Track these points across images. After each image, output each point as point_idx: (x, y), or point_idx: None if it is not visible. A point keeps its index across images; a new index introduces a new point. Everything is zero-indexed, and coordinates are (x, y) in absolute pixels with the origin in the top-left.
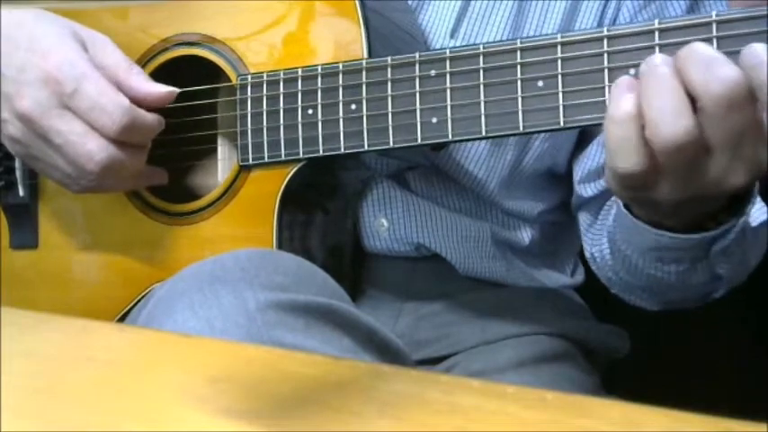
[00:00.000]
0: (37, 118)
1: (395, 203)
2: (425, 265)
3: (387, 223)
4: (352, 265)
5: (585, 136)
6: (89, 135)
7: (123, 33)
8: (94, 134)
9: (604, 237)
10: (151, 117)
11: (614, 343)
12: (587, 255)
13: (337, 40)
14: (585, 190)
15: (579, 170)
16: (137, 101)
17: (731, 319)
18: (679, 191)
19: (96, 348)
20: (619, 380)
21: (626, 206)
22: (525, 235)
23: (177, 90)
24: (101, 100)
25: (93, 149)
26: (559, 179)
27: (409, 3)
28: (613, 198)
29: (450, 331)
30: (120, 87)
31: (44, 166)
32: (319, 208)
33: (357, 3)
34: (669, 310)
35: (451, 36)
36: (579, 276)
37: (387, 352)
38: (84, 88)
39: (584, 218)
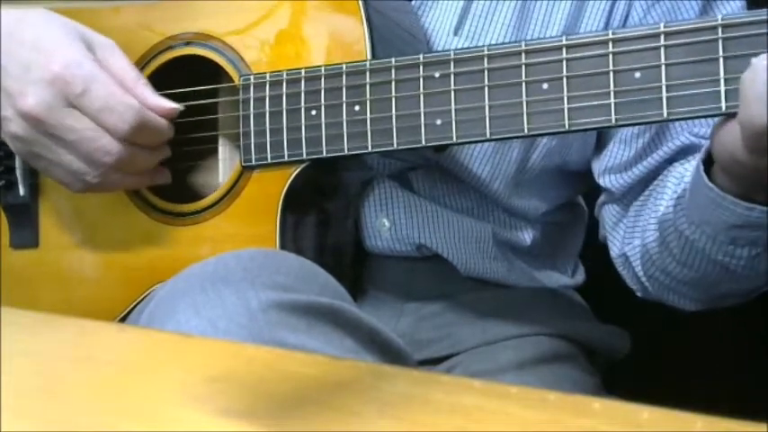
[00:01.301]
0: (44, 117)
1: (396, 203)
2: (426, 266)
3: (388, 223)
4: (354, 266)
5: (603, 136)
6: (101, 131)
7: (124, 32)
8: (105, 131)
9: (640, 233)
10: (161, 120)
11: (615, 343)
12: (615, 255)
13: (340, 40)
14: (609, 181)
15: (598, 166)
16: None
17: (731, 319)
18: None
19: (96, 348)
20: (619, 380)
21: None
22: (527, 235)
23: (181, 107)
24: (111, 101)
25: (107, 144)
26: (568, 177)
27: (412, 3)
28: (666, 185)
29: (451, 332)
30: None
31: (46, 164)
32: (322, 208)
33: (360, 2)
34: (693, 311)
35: (455, 34)
36: (579, 277)
37: (389, 352)
38: (94, 89)
39: (610, 213)
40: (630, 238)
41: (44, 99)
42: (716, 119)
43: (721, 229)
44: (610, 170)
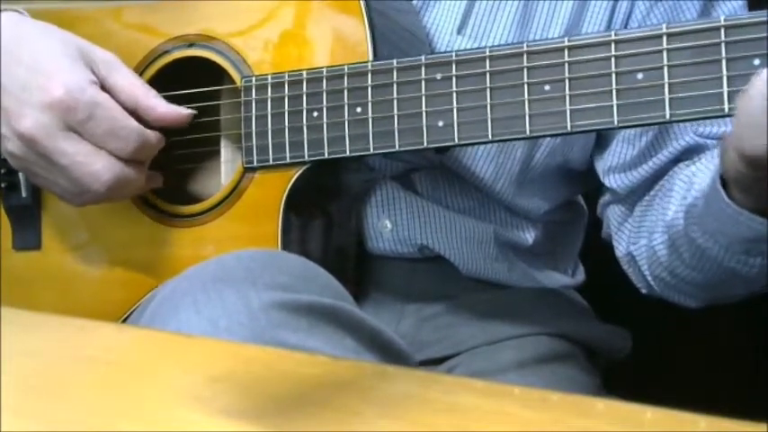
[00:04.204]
0: (40, 139)
1: (399, 205)
2: (428, 267)
3: (390, 225)
4: (355, 267)
5: (606, 135)
6: (96, 156)
7: (125, 35)
8: (101, 155)
9: (646, 234)
10: (156, 136)
11: (616, 343)
12: (620, 254)
13: (342, 41)
14: (614, 181)
15: (602, 165)
16: (155, 122)
17: (732, 319)
18: None
19: (96, 348)
20: (619, 380)
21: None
22: (529, 235)
23: (195, 112)
24: (115, 126)
25: (100, 170)
26: (570, 175)
27: (414, 3)
28: (673, 188)
29: (451, 332)
30: (139, 109)
31: (44, 181)
32: (324, 209)
33: (362, 3)
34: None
35: (458, 33)
36: (580, 276)
37: (389, 352)
38: (98, 115)
39: (615, 213)
40: (636, 238)
41: (42, 122)
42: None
43: (735, 241)
44: (614, 169)
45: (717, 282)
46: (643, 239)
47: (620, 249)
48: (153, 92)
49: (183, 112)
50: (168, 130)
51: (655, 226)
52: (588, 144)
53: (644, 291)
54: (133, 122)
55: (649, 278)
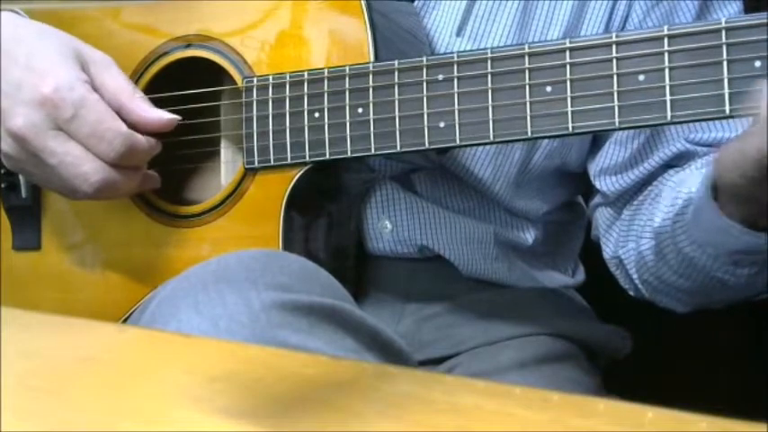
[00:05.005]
0: (30, 138)
1: (398, 205)
2: (428, 267)
3: (390, 225)
4: (356, 267)
5: (599, 137)
6: (85, 157)
7: (125, 36)
8: (90, 156)
9: (634, 238)
10: (148, 141)
11: (616, 343)
12: (608, 256)
13: (343, 41)
14: (604, 183)
15: (593, 167)
16: (137, 126)
17: (731, 319)
18: None
19: (96, 348)
20: (619, 380)
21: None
22: (529, 235)
23: (179, 117)
24: (100, 127)
25: (89, 171)
26: (568, 177)
27: (415, 3)
28: (661, 194)
29: (452, 332)
30: (122, 111)
31: (39, 180)
32: (324, 210)
33: (363, 4)
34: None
35: (458, 34)
36: (580, 276)
37: (390, 352)
38: (83, 114)
39: (604, 215)
40: (624, 242)
41: (32, 120)
42: (721, 143)
43: (724, 252)
44: (605, 171)
45: (704, 289)
46: (631, 243)
47: (607, 252)
48: (140, 95)
49: (164, 116)
50: (166, 132)
51: (643, 231)
52: (585, 146)
53: (631, 293)
54: (120, 126)
55: (637, 282)
